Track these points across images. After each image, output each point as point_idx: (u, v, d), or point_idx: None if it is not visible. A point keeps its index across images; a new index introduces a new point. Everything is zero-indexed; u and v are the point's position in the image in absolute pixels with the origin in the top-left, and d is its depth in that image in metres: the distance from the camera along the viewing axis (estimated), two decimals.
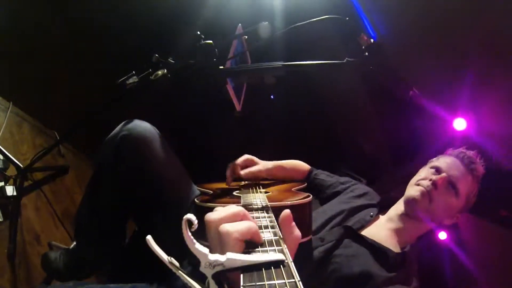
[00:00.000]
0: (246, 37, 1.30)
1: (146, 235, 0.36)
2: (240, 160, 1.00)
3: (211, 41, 1.03)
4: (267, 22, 1.14)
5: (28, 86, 1.40)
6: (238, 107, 1.24)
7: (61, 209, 1.36)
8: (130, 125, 0.90)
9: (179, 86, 1.13)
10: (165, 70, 1.04)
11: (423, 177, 0.90)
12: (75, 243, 1.02)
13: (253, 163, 1.01)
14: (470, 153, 0.91)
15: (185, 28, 1.23)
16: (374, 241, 0.81)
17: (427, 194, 0.86)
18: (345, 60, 0.93)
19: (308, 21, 0.95)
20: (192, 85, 1.11)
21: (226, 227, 0.37)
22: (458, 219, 0.90)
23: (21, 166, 1.20)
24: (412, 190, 0.89)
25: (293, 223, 0.42)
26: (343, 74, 0.97)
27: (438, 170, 0.89)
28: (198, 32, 1.03)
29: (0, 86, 1.32)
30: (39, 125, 1.44)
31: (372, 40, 0.89)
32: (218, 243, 0.37)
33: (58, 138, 1.49)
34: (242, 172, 0.97)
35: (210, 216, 0.40)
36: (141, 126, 0.91)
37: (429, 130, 1.45)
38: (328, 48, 1.47)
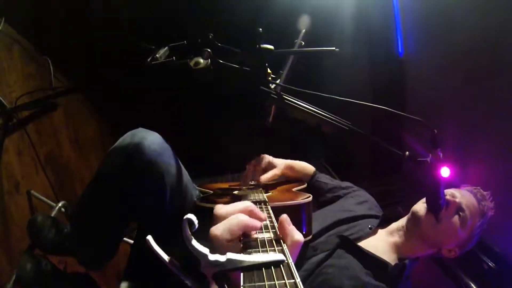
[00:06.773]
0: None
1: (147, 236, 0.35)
2: (263, 163, 0.99)
3: (272, 47, 0.86)
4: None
5: (22, 2, 1.10)
6: (270, 118, 1.13)
7: (45, 153, 1.22)
8: (140, 139, 0.79)
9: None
10: (209, 61, 0.88)
11: None
12: (69, 227, 0.96)
13: (272, 166, 1.00)
14: (484, 192, 0.90)
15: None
16: (371, 252, 0.78)
17: None
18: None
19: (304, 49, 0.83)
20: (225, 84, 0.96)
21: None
22: (456, 254, 0.86)
23: (6, 106, 1.02)
24: (420, 204, 0.85)
25: (292, 226, 0.41)
26: None
27: (452, 195, 0.84)
28: (260, 30, 0.85)
29: None
30: (30, 49, 1.18)
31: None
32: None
33: (50, 65, 1.26)
34: (262, 178, 0.95)
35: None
36: (152, 140, 0.81)
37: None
38: None
